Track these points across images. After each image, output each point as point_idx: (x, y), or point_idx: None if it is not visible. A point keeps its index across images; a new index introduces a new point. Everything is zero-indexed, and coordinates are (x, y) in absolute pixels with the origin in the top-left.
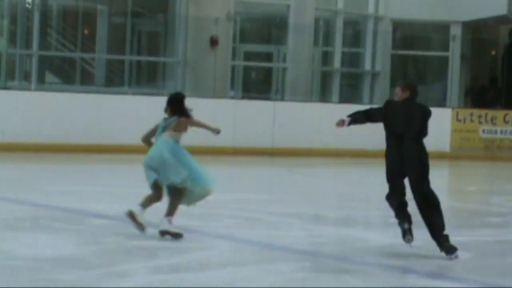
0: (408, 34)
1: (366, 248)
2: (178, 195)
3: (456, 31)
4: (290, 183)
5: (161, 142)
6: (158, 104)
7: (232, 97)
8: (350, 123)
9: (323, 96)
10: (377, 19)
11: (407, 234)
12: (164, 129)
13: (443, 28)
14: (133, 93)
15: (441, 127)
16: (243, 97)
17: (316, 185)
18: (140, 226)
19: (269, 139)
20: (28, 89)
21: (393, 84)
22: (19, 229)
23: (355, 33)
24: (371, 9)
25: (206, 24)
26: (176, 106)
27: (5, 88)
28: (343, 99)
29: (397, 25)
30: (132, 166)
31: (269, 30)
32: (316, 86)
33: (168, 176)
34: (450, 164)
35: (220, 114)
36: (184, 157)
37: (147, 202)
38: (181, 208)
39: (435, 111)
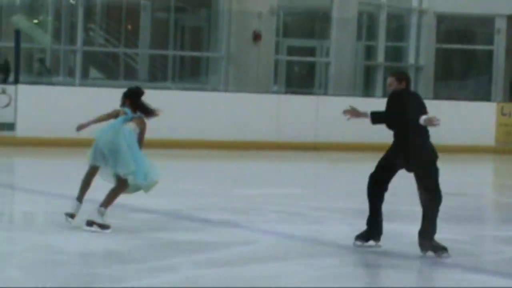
0: (452, 28)
1: (410, 242)
2: (121, 187)
3: (501, 24)
4: (333, 177)
5: (126, 131)
6: (201, 99)
7: (275, 92)
8: (373, 121)
9: (367, 90)
10: (421, 12)
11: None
12: (126, 120)
13: (487, 21)
14: (176, 88)
15: (486, 122)
16: (286, 92)
17: (359, 179)
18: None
19: (312, 133)
20: (72, 84)
21: (437, 78)
22: (63, 224)
23: (399, 27)
24: (415, 3)
25: (249, 19)
26: (135, 100)
27: (50, 83)
28: (387, 94)
29: (441, 19)
30: (174, 161)
31: (312, 24)
32: (359, 81)
33: (117, 165)
34: (495, 158)
35: (263, 109)
36: (137, 152)
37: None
38: (223, 203)
39: (480, 105)
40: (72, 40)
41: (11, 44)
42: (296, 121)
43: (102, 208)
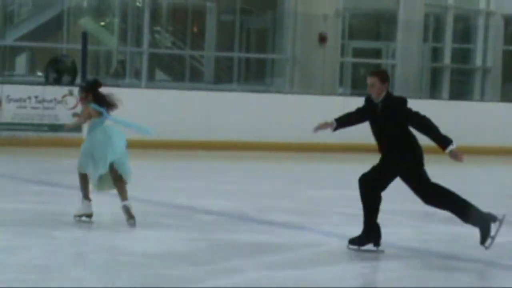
0: None
1: (476, 246)
2: (121, 179)
3: None
4: (397, 180)
5: (121, 136)
6: (265, 101)
7: (341, 94)
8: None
9: (433, 92)
10: (488, 14)
11: None
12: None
13: None
14: (241, 90)
15: None
16: (351, 94)
17: None
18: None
19: None
20: (138, 86)
21: (504, 80)
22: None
23: (465, 28)
24: (482, 5)
25: (315, 21)
26: (97, 92)
27: (116, 85)
28: (454, 96)
29: (509, 20)
30: (238, 162)
31: (378, 26)
32: (425, 83)
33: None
34: None
35: (328, 111)
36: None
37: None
38: (288, 204)
39: None
40: (138, 42)
41: (78, 46)
42: (361, 124)
43: (126, 202)
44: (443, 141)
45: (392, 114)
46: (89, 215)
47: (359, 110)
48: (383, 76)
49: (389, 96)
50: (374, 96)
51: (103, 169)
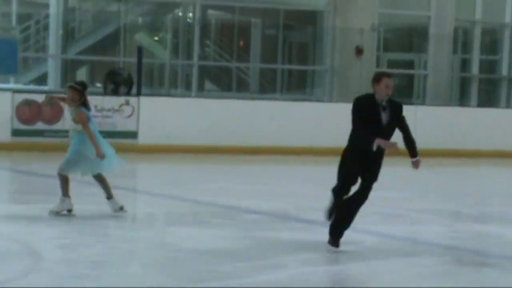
0: None
1: (504, 243)
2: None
3: None
4: (430, 181)
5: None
6: (307, 109)
7: None
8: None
9: (462, 100)
10: None
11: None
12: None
13: None
14: (284, 99)
15: None
16: None
17: (456, 183)
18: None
19: None
20: (189, 96)
21: None
22: (181, 224)
23: (492, 41)
24: (508, 19)
25: (352, 35)
26: (86, 97)
27: (169, 95)
28: (481, 104)
29: None
30: (282, 166)
31: (410, 39)
32: (455, 91)
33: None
34: None
35: None
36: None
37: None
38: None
39: None
40: (189, 56)
41: (134, 59)
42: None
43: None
44: (415, 151)
45: (395, 114)
46: (70, 210)
47: (362, 116)
48: (391, 77)
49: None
50: (384, 97)
51: (96, 170)
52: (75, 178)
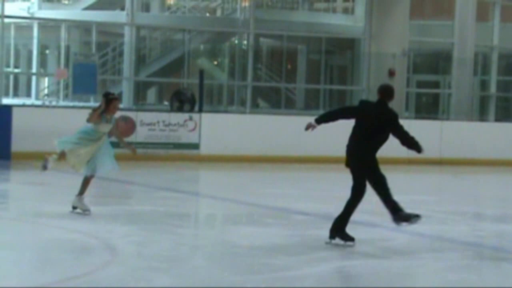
0: None
1: None
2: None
3: None
4: (455, 186)
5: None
6: (347, 124)
7: (407, 117)
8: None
9: (482, 116)
10: None
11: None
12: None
13: None
14: None
15: None
16: (415, 117)
17: (478, 188)
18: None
19: (437, 151)
20: (244, 112)
21: None
22: (237, 224)
23: (508, 64)
24: None
25: (385, 59)
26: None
27: (226, 112)
28: (498, 119)
29: None
30: (325, 173)
31: (436, 63)
32: (475, 108)
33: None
34: None
35: None
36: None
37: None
38: (363, 206)
39: None
40: (243, 77)
41: (196, 81)
42: (423, 141)
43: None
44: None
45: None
46: (86, 210)
47: (348, 109)
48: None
49: None
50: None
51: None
52: (150, 184)
